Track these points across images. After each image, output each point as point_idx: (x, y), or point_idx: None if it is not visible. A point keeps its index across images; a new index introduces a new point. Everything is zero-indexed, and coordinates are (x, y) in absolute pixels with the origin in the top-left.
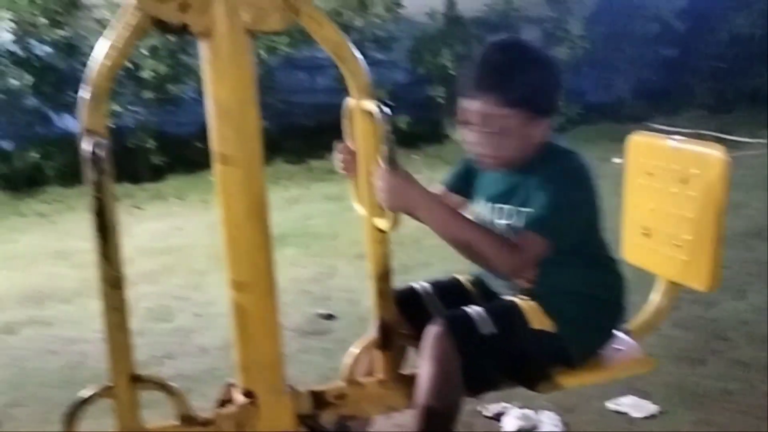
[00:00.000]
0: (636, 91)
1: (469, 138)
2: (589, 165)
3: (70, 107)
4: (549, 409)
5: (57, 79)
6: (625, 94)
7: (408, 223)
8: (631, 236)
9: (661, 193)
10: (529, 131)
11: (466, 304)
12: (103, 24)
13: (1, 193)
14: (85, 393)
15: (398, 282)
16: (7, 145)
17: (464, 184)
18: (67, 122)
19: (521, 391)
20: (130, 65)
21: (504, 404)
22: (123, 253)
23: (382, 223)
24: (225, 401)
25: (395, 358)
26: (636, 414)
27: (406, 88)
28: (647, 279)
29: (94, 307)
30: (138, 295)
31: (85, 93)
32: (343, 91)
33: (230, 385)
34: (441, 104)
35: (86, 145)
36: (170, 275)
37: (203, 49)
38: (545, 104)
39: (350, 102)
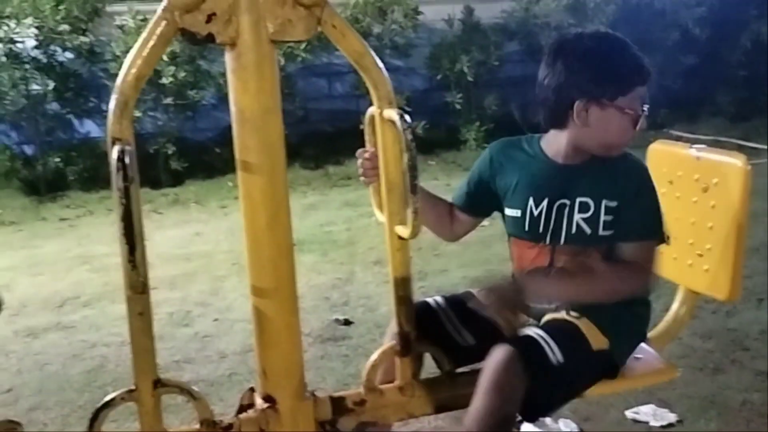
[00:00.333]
0: (656, 99)
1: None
2: None
3: (91, 113)
4: (567, 418)
5: (79, 85)
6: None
7: (425, 229)
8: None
9: (682, 202)
10: None
11: (482, 319)
12: (124, 31)
13: (24, 198)
14: (109, 396)
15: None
16: (29, 150)
17: (476, 202)
18: (89, 128)
19: None
20: None
21: None
22: (148, 257)
23: (403, 231)
24: (246, 406)
25: (413, 365)
26: (655, 423)
27: (424, 94)
28: (667, 288)
29: (114, 311)
30: (158, 300)
31: (112, 101)
32: (361, 98)
33: (251, 391)
34: (458, 110)
35: (113, 153)
36: (190, 281)
37: (228, 58)
38: None
39: (372, 110)
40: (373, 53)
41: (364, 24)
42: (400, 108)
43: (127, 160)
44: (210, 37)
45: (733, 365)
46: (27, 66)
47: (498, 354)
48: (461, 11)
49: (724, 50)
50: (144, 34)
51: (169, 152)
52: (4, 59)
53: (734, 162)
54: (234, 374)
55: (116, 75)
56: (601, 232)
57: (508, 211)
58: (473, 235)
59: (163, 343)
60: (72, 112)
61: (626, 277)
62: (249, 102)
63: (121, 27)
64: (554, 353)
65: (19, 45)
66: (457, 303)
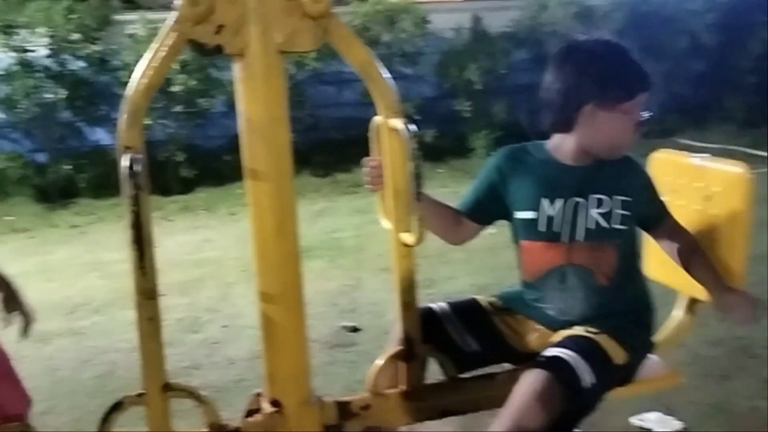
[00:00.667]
0: (665, 106)
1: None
2: None
3: (102, 121)
4: None
5: (90, 93)
6: (653, 109)
7: (432, 237)
8: (655, 253)
9: (685, 211)
10: None
11: (485, 325)
12: (135, 39)
13: (36, 206)
14: (119, 399)
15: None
16: (41, 157)
17: (483, 209)
18: (99, 135)
19: None
20: None
21: None
22: (158, 263)
23: (408, 238)
24: (253, 411)
25: (418, 370)
26: (659, 430)
27: (433, 101)
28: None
29: (124, 317)
30: (167, 306)
31: (123, 110)
32: (370, 106)
33: (258, 395)
34: (467, 118)
35: (124, 161)
36: (199, 287)
37: (236, 68)
38: None
39: (378, 119)
40: (378, 63)
41: (373, 32)
42: (408, 116)
43: (137, 168)
44: (219, 48)
45: (740, 372)
46: (39, 75)
47: (534, 377)
48: (470, 20)
49: (733, 57)
50: (155, 45)
51: (179, 160)
52: (17, 68)
53: (736, 170)
54: (242, 380)
55: (127, 83)
56: (615, 225)
57: (520, 215)
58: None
59: (172, 348)
60: (83, 120)
61: (692, 237)
62: (257, 111)
63: (131, 36)
64: (586, 376)
65: (31, 54)
66: (461, 309)
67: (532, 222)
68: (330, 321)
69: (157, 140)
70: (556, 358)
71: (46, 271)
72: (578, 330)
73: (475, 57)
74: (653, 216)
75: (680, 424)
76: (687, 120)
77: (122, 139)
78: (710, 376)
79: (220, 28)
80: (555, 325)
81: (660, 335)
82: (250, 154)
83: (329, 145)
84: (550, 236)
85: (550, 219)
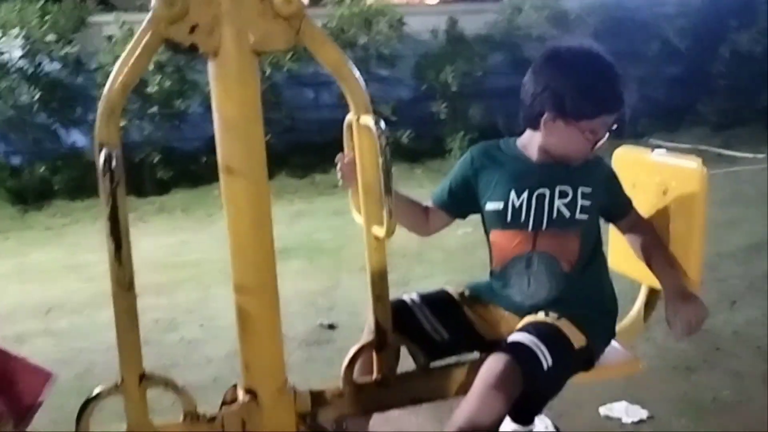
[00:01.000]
0: (638, 108)
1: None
2: None
3: (78, 123)
4: (543, 414)
5: (65, 96)
6: (627, 111)
7: (411, 237)
8: (617, 245)
9: (645, 205)
10: None
11: (455, 315)
12: (111, 41)
13: (11, 208)
14: (97, 390)
15: (398, 294)
16: (16, 160)
17: (455, 201)
18: (75, 137)
19: None
20: None
21: None
22: (134, 264)
23: (379, 231)
24: (229, 402)
25: (390, 360)
26: (627, 419)
27: (410, 104)
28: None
29: (102, 317)
30: (144, 306)
31: (100, 108)
32: (347, 108)
33: (234, 387)
34: (443, 120)
35: (101, 156)
36: (176, 288)
37: (211, 67)
38: None
39: (350, 117)
40: (350, 62)
41: (350, 34)
42: (384, 117)
43: (113, 162)
44: (193, 47)
45: (706, 365)
46: (14, 76)
47: (496, 361)
48: (446, 22)
49: (705, 60)
50: (130, 44)
51: (155, 161)
52: None
53: (691, 165)
54: (219, 378)
55: (103, 85)
56: (578, 215)
57: (490, 206)
58: (456, 242)
59: (148, 348)
60: (59, 122)
61: (654, 231)
62: (231, 109)
63: (108, 37)
64: (546, 358)
65: (5, 55)
66: (431, 300)
67: (500, 213)
68: (308, 319)
69: (133, 141)
70: (516, 343)
71: (22, 273)
72: (540, 316)
73: (451, 59)
74: (617, 208)
75: (646, 413)
76: (660, 122)
77: (99, 135)
78: (677, 368)
79: (194, 28)
80: (521, 312)
81: (623, 324)
82: (224, 151)
83: (307, 146)
84: (517, 225)
85: (516, 210)
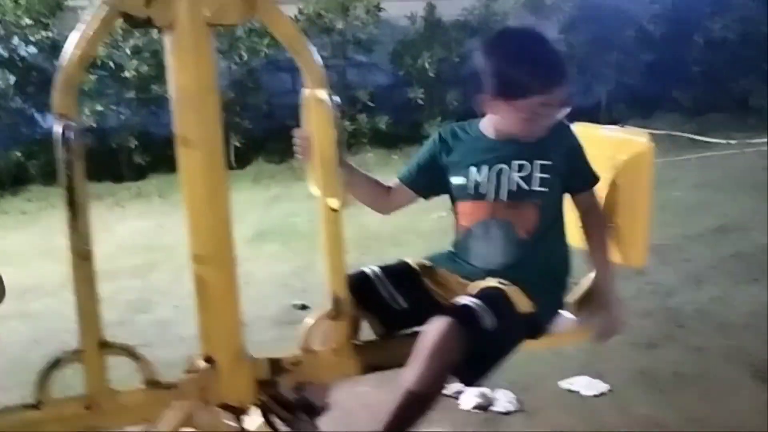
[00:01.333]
0: (613, 95)
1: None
2: None
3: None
4: (505, 388)
5: (41, 80)
6: (602, 98)
7: (386, 220)
8: (570, 218)
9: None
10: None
11: (414, 284)
12: None
13: None
14: (57, 356)
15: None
16: None
17: (422, 179)
18: (51, 122)
19: None
20: (112, 65)
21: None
22: (109, 248)
23: (334, 203)
24: (190, 371)
25: (349, 329)
26: (587, 392)
27: (387, 89)
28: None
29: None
30: (120, 288)
31: (58, 80)
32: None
33: (195, 356)
34: (421, 105)
35: (57, 127)
36: (151, 270)
37: (167, 40)
38: None
39: (305, 92)
40: (304, 37)
41: (327, 20)
42: (362, 102)
43: (69, 134)
44: (149, 21)
45: (667, 341)
46: None
47: (438, 322)
48: (423, 8)
49: (679, 47)
50: (88, 17)
51: (132, 146)
52: None
53: (638, 139)
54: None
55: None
56: (535, 187)
57: (454, 180)
58: (431, 226)
59: (122, 328)
60: (34, 107)
61: (606, 226)
62: (187, 81)
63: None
64: (487, 319)
65: None
66: (391, 270)
67: (463, 186)
68: (281, 300)
69: (110, 126)
70: (458, 305)
71: None
72: (489, 281)
73: (428, 45)
74: (574, 180)
75: (606, 386)
76: (635, 108)
77: (57, 106)
78: (639, 345)
79: (149, 2)
80: (476, 278)
81: (573, 295)
82: (180, 122)
83: (285, 131)
84: (478, 197)
85: (477, 183)
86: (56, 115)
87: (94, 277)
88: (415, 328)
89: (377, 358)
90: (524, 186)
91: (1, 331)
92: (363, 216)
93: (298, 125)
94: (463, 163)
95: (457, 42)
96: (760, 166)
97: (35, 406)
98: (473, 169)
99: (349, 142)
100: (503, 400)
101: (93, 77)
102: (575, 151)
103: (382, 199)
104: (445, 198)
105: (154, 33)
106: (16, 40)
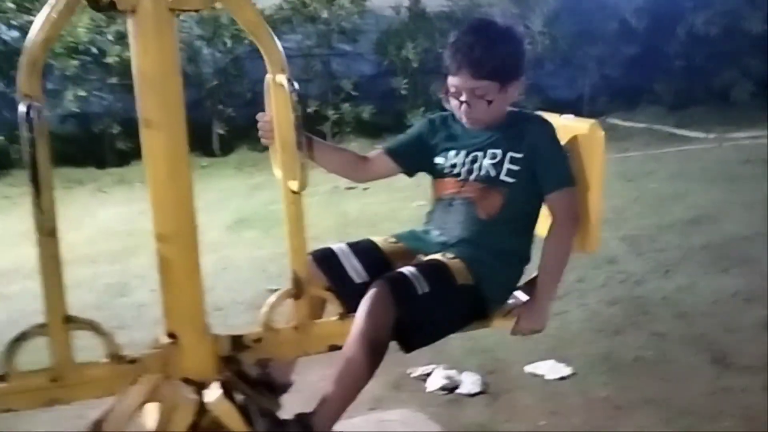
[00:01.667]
0: (596, 87)
1: (456, 107)
2: None
3: None
4: (472, 371)
5: None
6: (585, 90)
7: (366, 207)
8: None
9: None
10: (503, 96)
11: (378, 260)
12: None
13: None
14: (22, 330)
15: None
16: None
17: (408, 153)
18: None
19: (448, 352)
20: (95, 51)
21: (431, 365)
22: (90, 232)
23: (294, 185)
24: (154, 347)
25: (312, 309)
26: (550, 376)
27: (371, 79)
28: None
29: None
30: (98, 272)
31: (22, 61)
32: (309, 82)
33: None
34: (404, 95)
35: (22, 107)
36: (131, 255)
37: (130, 24)
38: (512, 74)
39: (268, 77)
40: (265, 23)
41: (312, 8)
42: (346, 92)
43: (33, 114)
44: (112, 5)
45: (631, 327)
46: None
47: (372, 289)
48: None
49: (662, 41)
50: (51, 1)
51: (115, 132)
52: None
53: (589, 126)
54: None
55: (62, 55)
56: (503, 177)
57: (436, 160)
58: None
59: (99, 311)
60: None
61: (567, 233)
62: (149, 65)
63: None
64: (420, 286)
65: None
66: (357, 248)
67: (441, 166)
68: (257, 285)
69: (93, 112)
70: (397, 273)
71: None
72: (435, 255)
73: (412, 36)
74: (541, 180)
75: (569, 370)
76: (618, 101)
77: (22, 87)
78: (605, 331)
79: None
80: (433, 250)
81: (528, 279)
82: (143, 104)
83: None
84: (452, 175)
85: (453, 165)
86: (21, 96)
87: (59, 252)
88: None
89: (338, 337)
90: (493, 173)
91: None
92: (343, 204)
93: None
94: (445, 146)
95: (441, 33)
96: (735, 159)
97: (2, 378)
98: (452, 152)
99: (333, 131)
100: (468, 382)
101: (76, 63)
102: (544, 149)
103: (354, 166)
104: (425, 187)
105: None
106: None
